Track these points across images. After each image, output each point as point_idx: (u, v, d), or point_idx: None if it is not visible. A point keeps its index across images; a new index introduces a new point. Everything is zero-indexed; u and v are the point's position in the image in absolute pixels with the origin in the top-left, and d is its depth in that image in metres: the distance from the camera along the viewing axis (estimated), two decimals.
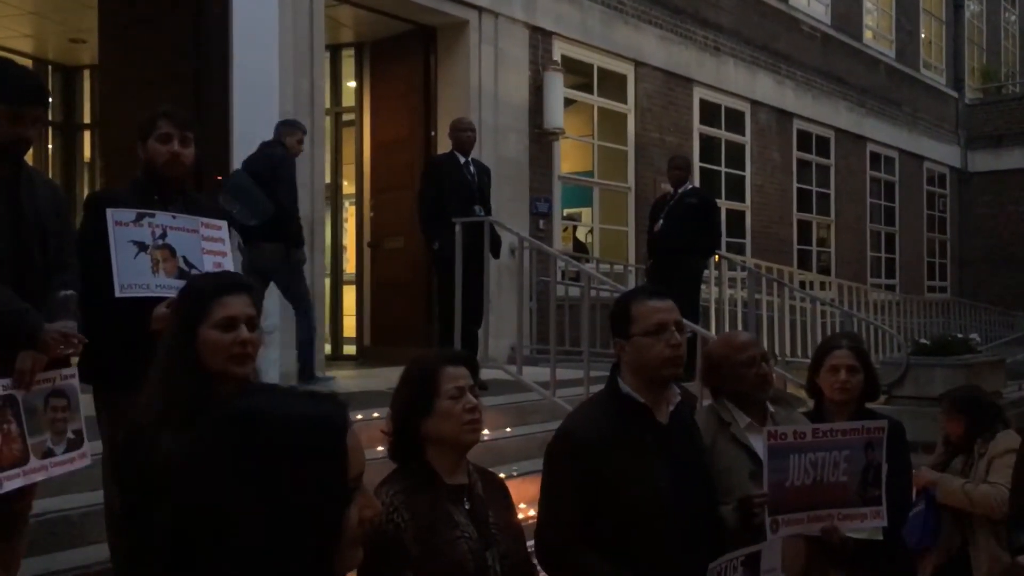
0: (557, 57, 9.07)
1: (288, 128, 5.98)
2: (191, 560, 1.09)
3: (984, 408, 4.23)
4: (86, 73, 9.79)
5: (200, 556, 1.08)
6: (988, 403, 4.34)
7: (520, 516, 2.53)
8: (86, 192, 9.09)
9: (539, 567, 2.46)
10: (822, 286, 11.97)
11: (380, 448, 4.43)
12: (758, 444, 2.83)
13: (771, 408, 3.01)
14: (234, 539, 1.07)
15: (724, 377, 2.92)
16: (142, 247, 2.95)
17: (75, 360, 2.99)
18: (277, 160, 5.75)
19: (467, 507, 2.29)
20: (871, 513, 2.72)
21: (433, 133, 8.25)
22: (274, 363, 5.88)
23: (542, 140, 8.89)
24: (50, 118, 9.19)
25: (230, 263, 3.14)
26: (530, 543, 2.47)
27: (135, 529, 2.01)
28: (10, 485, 2.70)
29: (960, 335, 8.52)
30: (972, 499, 4.00)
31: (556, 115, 8.80)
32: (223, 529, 1.07)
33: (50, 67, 9.78)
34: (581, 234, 11.36)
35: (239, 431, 1.12)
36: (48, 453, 2.83)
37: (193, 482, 1.11)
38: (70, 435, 2.90)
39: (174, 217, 3.05)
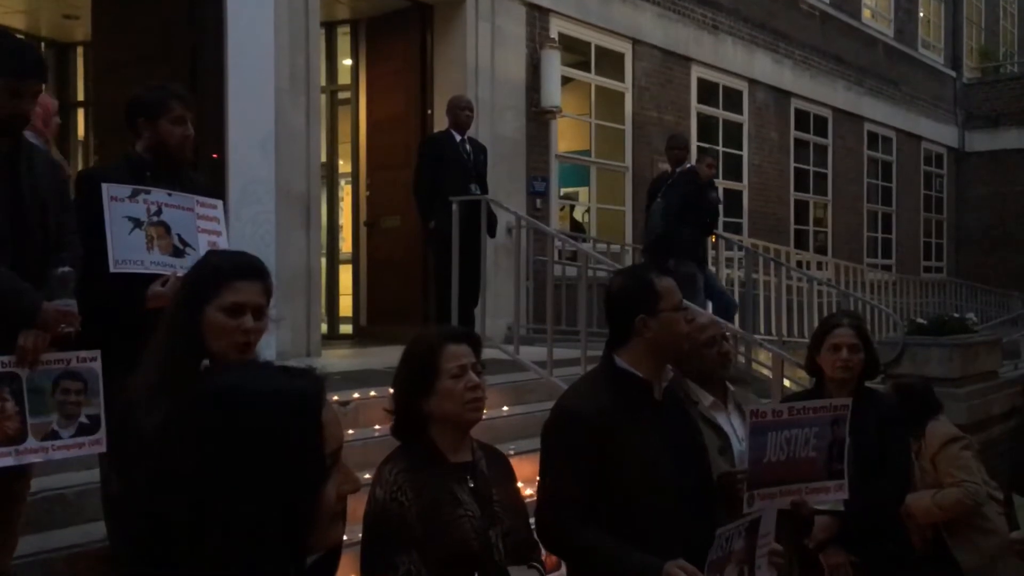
0: (554, 35, 9.00)
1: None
2: (166, 537, 1.08)
3: (917, 399, 4.26)
4: (79, 50, 9.70)
5: (174, 533, 1.07)
6: (921, 392, 4.36)
7: None
8: (80, 170, 9.03)
9: (541, 544, 2.46)
10: (819, 266, 11.97)
11: (378, 427, 4.45)
12: (723, 421, 2.99)
13: (731, 387, 3.12)
14: (208, 516, 1.06)
15: (687, 357, 2.96)
16: (137, 223, 2.93)
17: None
18: None
19: (471, 485, 2.29)
20: (835, 487, 2.83)
21: (430, 111, 8.20)
22: (269, 344, 5.86)
23: (539, 119, 8.83)
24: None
25: (225, 242, 3.12)
26: (531, 520, 2.47)
27: (124, 503, 2.00)
28: None
29: (957, 315, 8.52)
30: (945, 508, 4.04)
31: (553, 93, 8.74)
32: (197, 506, 1.06)
33: (43, 44, 9.68)
34: (578, 214, 11.33)
35: (212, 407, 1.11)
36: (52, 435, 2.78)
37: (167, 459, 1.11)
38: (83, 419, 2.82)
39: (169, 194, 3.03)
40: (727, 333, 3.23)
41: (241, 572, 1.07)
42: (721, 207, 8.81)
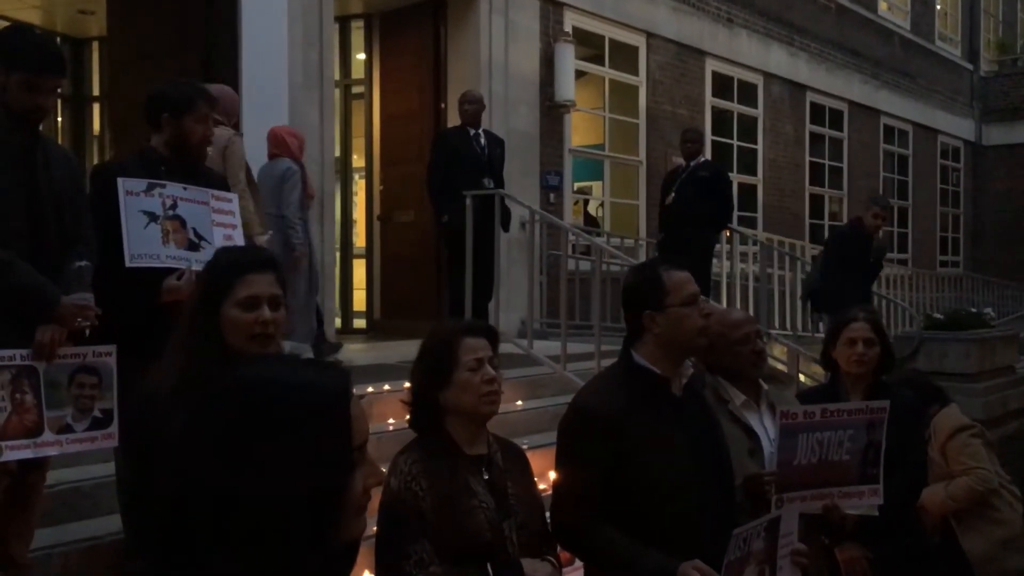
0: (568, 28, 8.97)
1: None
2: (192, 531, 1.08)
3: (927, 392, 4.23)
4: (95, 45, 9.74)
5: (201, 526, 1.07)
6: (926, 385, 4.33)
7: None
8: (95, 164, 9.07)
9: (556, 540, 2.45)
10: None
11: (392, 421, 4.45)
12: (754, 421, 2.90)
13: (764, 386, 3.03)
14: (236, 509, 1.06)
15: (719, 354, 2.92)
16: (152, 217, 2.93)
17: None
18: None
19: (486, 477, 2.30)
20: (869, 492, 2.76)
21: (443, 105, 8.19)
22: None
23: (553, 113, 8.81)
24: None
25: (240, 235, 3.13)
26: (547, 515, 2.47)
27: (143, 502, 2.00)
28: (12, 455, 2.68)
29: (974, 310, 8.46)
30: (958, 498, 4.01)
31: (567, 87, 8.72)
32: (225, 499, 1.07)
33: (59, 39, 9.73)
34: (592, 208, 11.30)
35: (242, 400, 1.11)
36: (66, 429, 2.80)
37: (195, 451, 1.11)
38: (97, 414, 2.85)
39: (185, 188, 3.04)
40: (762, 332, 3.13)
41: (269, 564, 1.07)
42: (736, 201, 8.65)
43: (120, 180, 2.92)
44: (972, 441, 4.17)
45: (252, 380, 1.14)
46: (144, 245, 2.92)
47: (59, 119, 9.76)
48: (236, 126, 4.94)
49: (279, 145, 5.63)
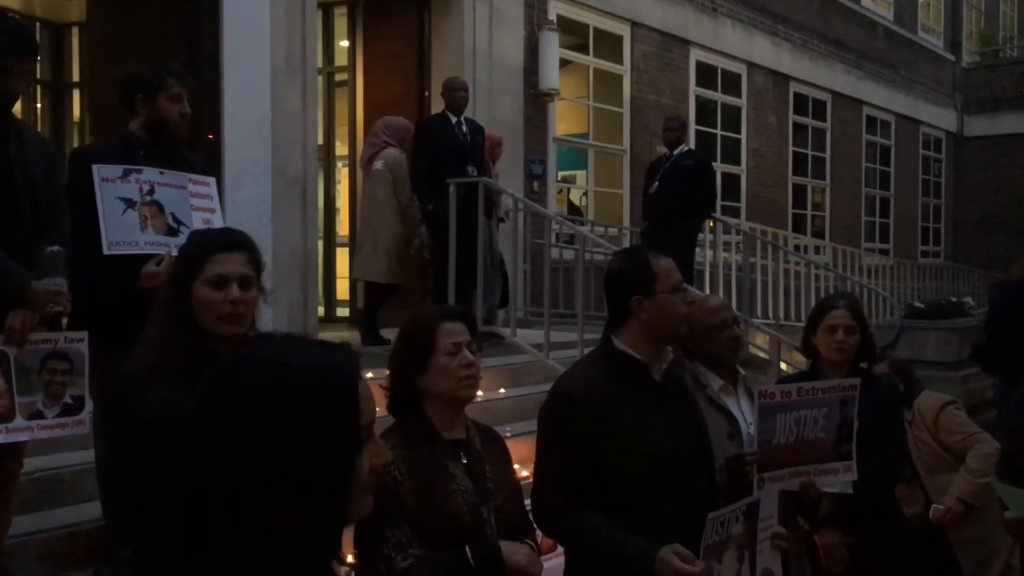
0: (552, 16, 8.95)
1: None
2: (204, 510, 1.09)
3: (910, 376, 4.26)
4: (74, 30, 9.63)
5: (214, 504, 1.08)
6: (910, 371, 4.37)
7: None
8: (72, 149, 8.97)
9: (536, 527, 2.46)
10: (817, 250, 11.95)
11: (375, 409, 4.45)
12: (732, 405, 2.96)
13: (741, 371, 3.08)
14: (249, 487, 1.08)
15: (697, 340, 2.96)
16: (130, 204, 2.91)
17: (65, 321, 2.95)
18: None
19: (464, 461, 2.31)
20: (843, 468, 2.83)
21: (427, 93, 8.15)
22: (266, 326, 5.85)
23: (537, 101, 8.80)
24: (38, 76, 9.05)
25: (219, 219, 3.11)
26: (526, 503, 2.47)
27: (124, 480, 2.00)
28: None
29: (954, 299, 8.53)
30: (983, 470, 3.98)
31: (551, 76, 8.70)
32: (237, 476, 1.08)
33: (38, 24, 9.62)
34: (576, 197, 11.30)
35: (254, 378, 1.13)
36: (37, 415, 2.79)
37: (206, 429, 1.12)
38: (68, 400, 2.85)
39: (161, 173, 3.01)
40: (739, 318, 3.19)
41: (286, 543, 1.09)
42: (719, 190, 8.67)
43: (95, 167, 2.89)
44: (959, 413, 4.19)
45: (265, 359, 1.15)
46: (122, 232, 2.90)
47: (38, 105, 9.66)
48: (407, 150, 6.45)
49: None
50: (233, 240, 2.19)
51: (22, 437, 2.79)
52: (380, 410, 2.25)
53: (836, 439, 2.78)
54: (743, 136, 11.96)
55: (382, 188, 6.62)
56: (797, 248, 11.02)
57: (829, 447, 2.77)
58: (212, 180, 3.19)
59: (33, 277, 2.74)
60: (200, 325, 2.07)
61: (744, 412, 2.95)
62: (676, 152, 7.71)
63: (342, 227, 9.38)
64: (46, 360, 2.80)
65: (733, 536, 2.32)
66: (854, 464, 2.82)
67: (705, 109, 11.29)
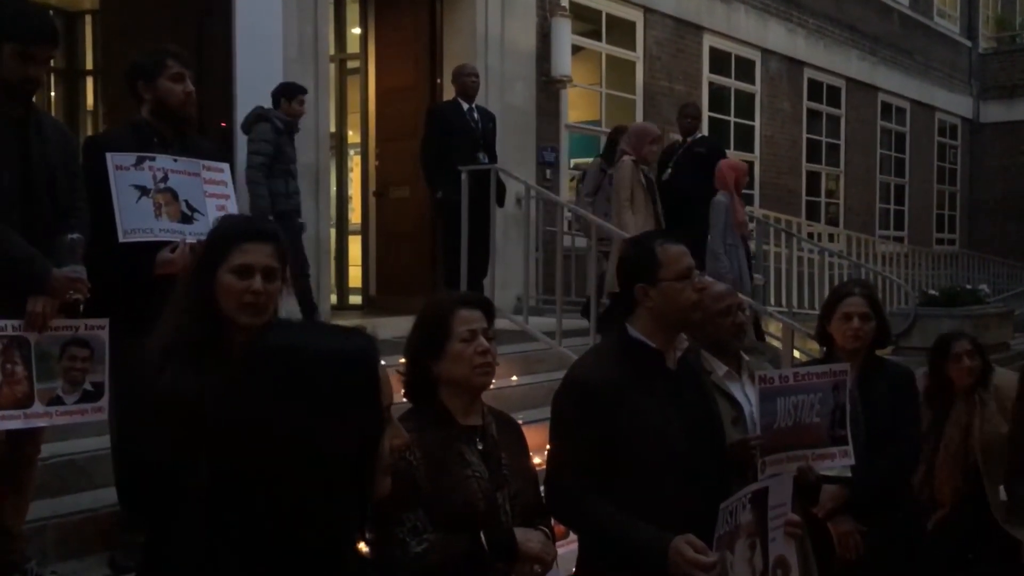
0: (565, 3, 8.90)
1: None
2: (231, 493, 1.12)
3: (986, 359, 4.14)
4: (88, 18, 9.64)
5: (241, 487, 1.12)
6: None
7: None
8: (87, 137, 9.00)
9: (550, 513, 2.46)
10: (831, 238, 11.90)
11: None
12: (736, 391, 2.97)
13: (745, 357, 3.09)
14: (275, 469, 1.11)
15: (701, 326, 2.92)
16: (144, 191, 2.92)
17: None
18: None
19: (480, 447, 2.32)
20: (839, 452, 2.85)
21: (439, 80, 8.13)
22: (282, 311, 5.86)
23: (549, 88, 8.76)
24: (52, 64, 9.06)
25: (233, 206, 3.11)
26: (541, 488, 2.47)
27: (138, 463, 2.01)
28: (2, 425, 2.69)
29: (969, 286, 8.47)
30: None
31: (563, 62, 8.66)
32: (264, 460, 1.11)
33: (51, 11, 9.62)
34: None
35: (279, 364, 1.16)
36: (56, 401, 2.81)
37: (234, 413, 1.15)
38: (87, 386, 2.86)
39: (175, 160, 3.02)
40: (744, 304, 3.20)
41: (316, 523, 1.13)
42: None
43: (109, 155, 2.90)
44: None
45: (289, 345, 1.19)
46: (137, 220, 2.91)
47: (52, 93, 9.68)
48: (643, 157, 6.48)
49: (719, 179, 6.84)
50: (261, 230, 2.19)
51: (41, 423, 2.81)
52: (396, 396, 2.26)
53: (831, 424, 2.80)
54: (757, 123, 11.89)
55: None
56: (811, 236, 10.97)
57: (825, 432, 2.80)
58: (226, 166, 3.20)
59: (53, 264, 2.75)
60: (219, 311, 2.07)
61: (749, 398, 2.95)
62: (690, 139, 7.68)
63: (354, 215, 9.39)
64: (66, 346, 2.81)
65: (743, 525, 2.31)
66: (850, 449, 2.84)
67: (718, 96, 11.22)
